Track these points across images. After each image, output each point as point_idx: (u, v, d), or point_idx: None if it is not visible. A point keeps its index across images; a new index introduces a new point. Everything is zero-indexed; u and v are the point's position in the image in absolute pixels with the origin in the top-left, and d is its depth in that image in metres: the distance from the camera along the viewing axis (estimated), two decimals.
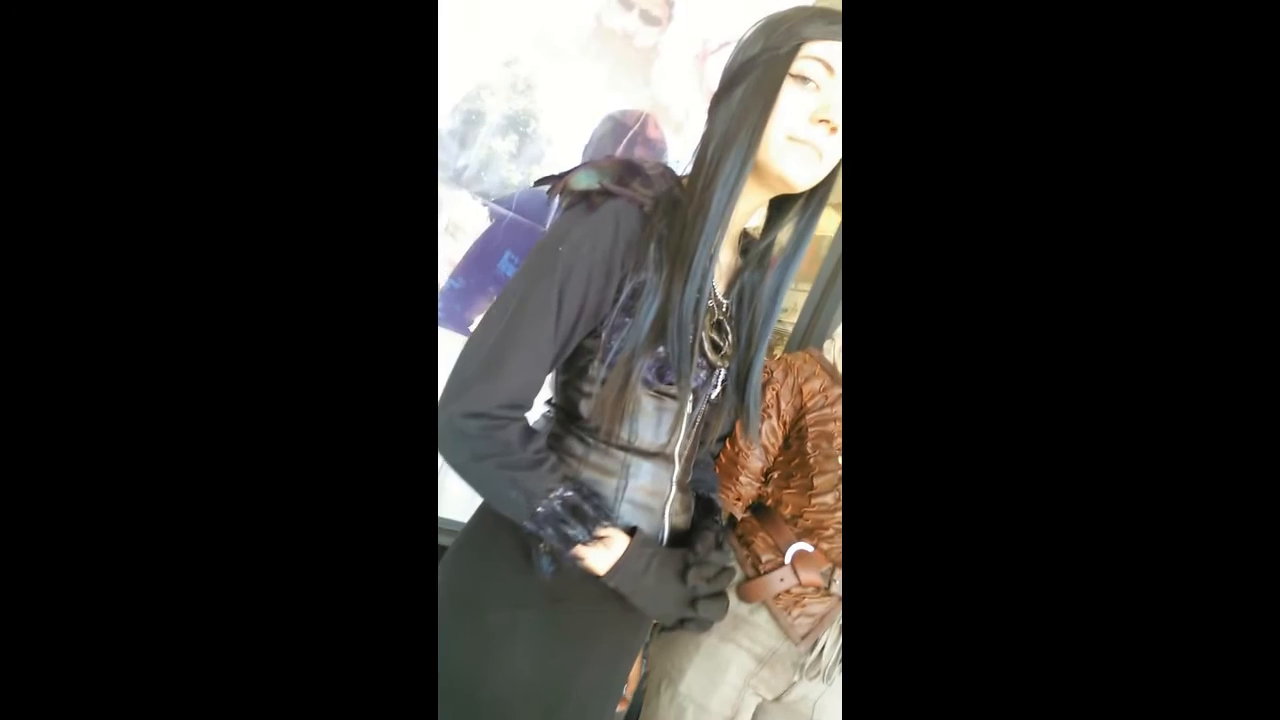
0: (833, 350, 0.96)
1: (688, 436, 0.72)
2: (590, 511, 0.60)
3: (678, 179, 0.68)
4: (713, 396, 0.73)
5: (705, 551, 0.68)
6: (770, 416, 0.93)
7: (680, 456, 0.72)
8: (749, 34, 0.66)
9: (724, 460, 0.94)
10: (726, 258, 0.73)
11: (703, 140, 0.66)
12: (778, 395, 0.94)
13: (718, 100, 0.66)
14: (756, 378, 0.74)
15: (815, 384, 0.93)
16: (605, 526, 0.61)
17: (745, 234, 0.78)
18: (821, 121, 0.62)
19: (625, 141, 0.91)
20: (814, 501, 0.89)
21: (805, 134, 0.62)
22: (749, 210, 0.72)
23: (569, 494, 0.60)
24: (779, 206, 0.75)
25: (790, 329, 1.47)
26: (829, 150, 0.64)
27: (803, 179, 0.64)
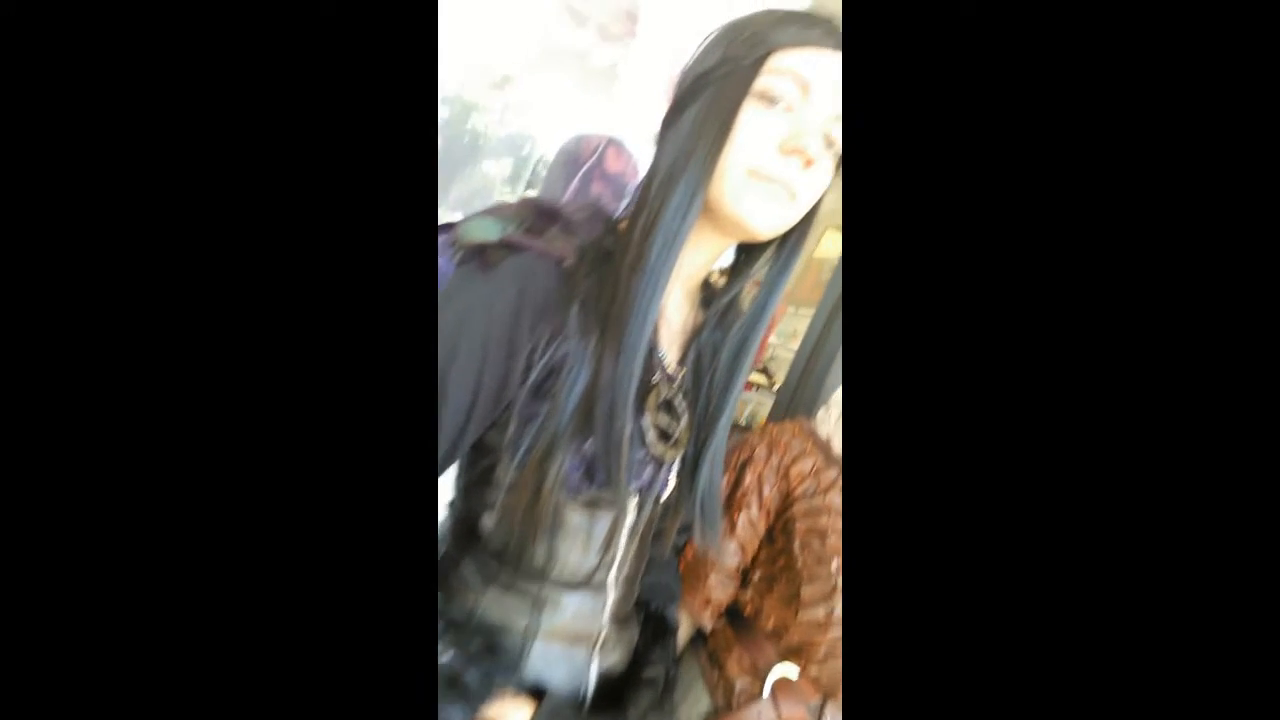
0: (829, 420, 0.80)
1: (630, 555, 0.56)
2: (474, 683, 0.44)
3: (613, 223, 0.53)
4: (664, 497, 0.56)
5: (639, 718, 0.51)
6: (750, 505, 0.77)
7: (618, 583, 0.55)
8: (706, 42, 0.52)
9: (690, 556, 0.78)
10: (680, 317, 0.58)
11: (646, 176, 0.52)
12: (760, 478, 0.77)
13: (665, 126, 0.52)
14: (714, 470, 0.58)
15: (805, 464, 0.76)
16: (497, 698, 0.45)
17: (708, 284, 0.63)
18: (793, 152, 0.47)
19: (579, 177, 0.77)
20: (801, 615, 0.72)
21: (772, 168, 0.48)
22: (708, 259, 0.57)
23: (445, 659, 0.44)
24: (748, 249, 0.60)
25: (793, 354, 1.30)
26: (804, 188, 0.49)
27: (768, 225, 0.49)
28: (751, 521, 0.77)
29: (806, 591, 0.72)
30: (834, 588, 0.71)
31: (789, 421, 0.82)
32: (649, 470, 0.54)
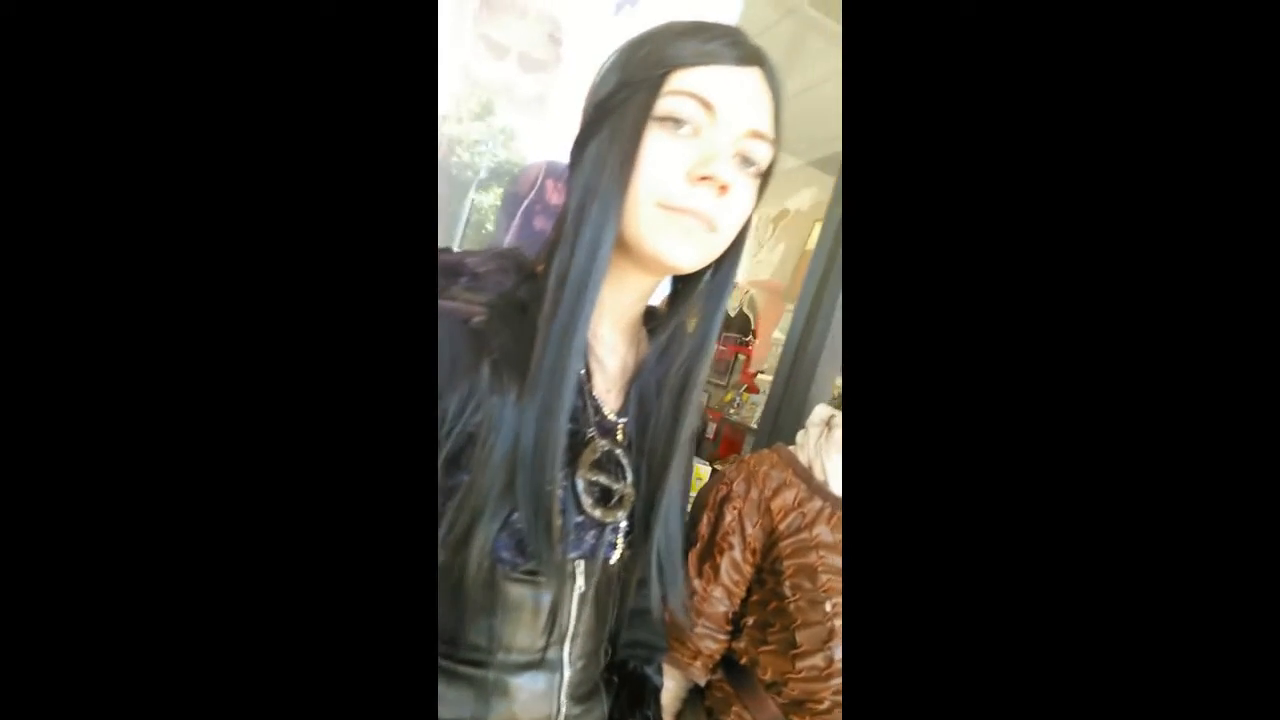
0: (808, 444, 0.74)
1: (584, 628, 0.50)
2: None
3: (530, 270, 0.49)
4: (612, 559, 0.51)
5: None
6: (732, 546, 0.71)
7: (571, 659, 0.50)
8: (605, 65, 0.48)
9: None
10: (616, 360, 0.53)
11: (559, 217, 0.47)
12: (740, 516, 0.71)
13: (572, 161, 0.47)
14: (669, 524, 0.52)
15: (788, 496, 0.71)
16: None
17: (652, 315, 0.58)
18: (703, 180, 0.43)
19: (520, 213, 0.73)
20: (799, 664, 0.66)
21: (683, 199, 0.43)
22: (638, 295, 0.52)
23: None
24: (686, 278, 0.55)
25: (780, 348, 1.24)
26: (723, 216, 0.44)
27: (687, 259, 0.45)
28: (736, 564, 0.71)
29: (802, 637, 0.66)
30: (832, 631, 0.65)
31: (767, 451, 0.76)
32: (590, 535, 0.49)
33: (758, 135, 0.46)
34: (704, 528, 0.73)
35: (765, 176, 0.50)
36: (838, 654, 0.64)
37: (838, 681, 0.64)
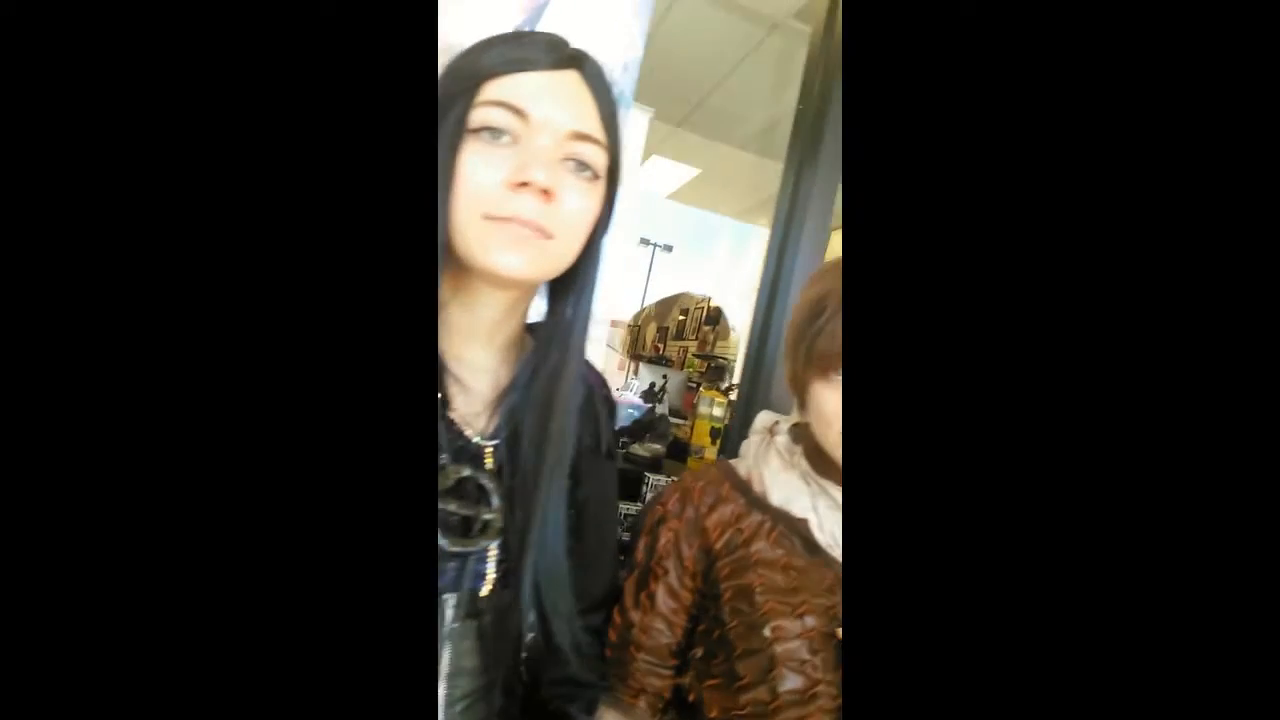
0: (748, 455, 0.69)
1: (463, 664, 0.47)
2: None
3: None
4: (482, 590, 0.47)
5: None
6: (668, 571, 0.65)
7: (450, 700, 0.46)
8: None
9: (613, 637, 0.66)
10: (488, 380, 0.51)
11: None
12: (676, 537, 0.66)
13: None
14: (549, 550, 0.48)
15: (725, 512, 0.65)
16: None
17: (532, 332, 0.55)
18: (522, 186, 0.42)
19: None
20: (743, 699, 0.59)
21: (505, 208, 0.43)
22: (500, 313, 0.49)
23: None
24: (555, 292, 0.53)
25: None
26: (558, 221, 0.43)
27: (521, 268, 0.44)
28: (673, 591, 0.65)
29: (742, 668, 0.59)
30: (774, 659, 0.58)
31: (706, 465, 0.71)
32: (451, 566, 0.46)
33: (582, 137, 0.45)
34: (640, 553, 0.68)
35: (613, 179, 0.48)
36: (786, 684, 0.57)
37: (792, 714, 0.57)
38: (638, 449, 2.18)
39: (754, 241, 4.45)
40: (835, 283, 0.58)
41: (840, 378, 0.57)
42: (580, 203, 0.45)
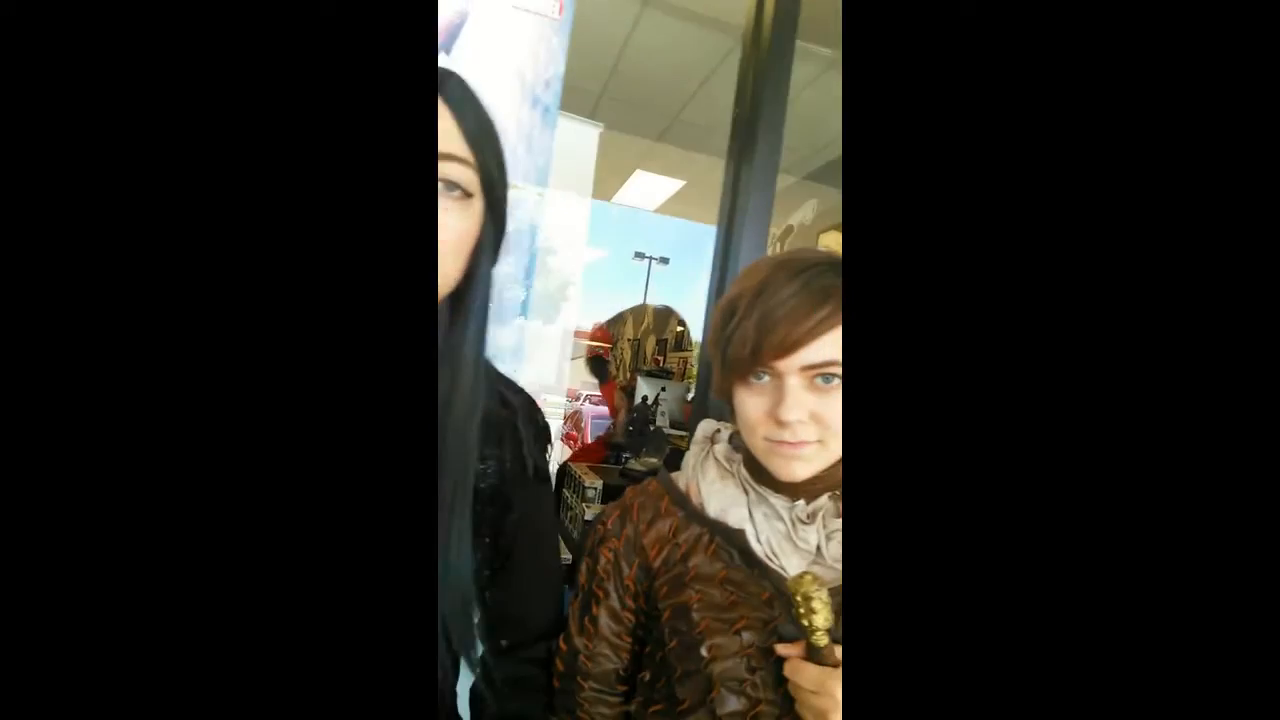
0: (687, 466, 0.67)
1: None
2: None
3: None
4: None
5: None
6: (608, 593, 0.63)
7: None
8: None
9: (560, 667, 0.64)
10: None
11: None
12: (616, 558, 0.64)
13: None
14: (456, 577, 0.47)
15: (663, 527, 0.63)
16: None
17: None
18: None
19: None
20: None
21: None
22: None
23: None
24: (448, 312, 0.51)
25: None
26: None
27: None
28: (615, 613, 0.63)
29: (682, 690, 0.57)
30: (711, 679, 0.55)
31: (648, 480, 0.69)
32: None
33: (444, 157, 0.44)
34: (582, 576, 0.66)
35: (493, 197, 0.47)
36: (727, 706, 0.54)
37: None
38: (634, 464, 2.15)
39: None
40: (746, 285, 0.56)
41: (758, 382, 0.55)
42: (451, 222, 0.44)
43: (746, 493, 0.61)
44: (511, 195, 0.50)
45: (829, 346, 0.52)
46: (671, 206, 4.06)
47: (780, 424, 0.54)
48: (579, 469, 1.78)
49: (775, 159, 0.83)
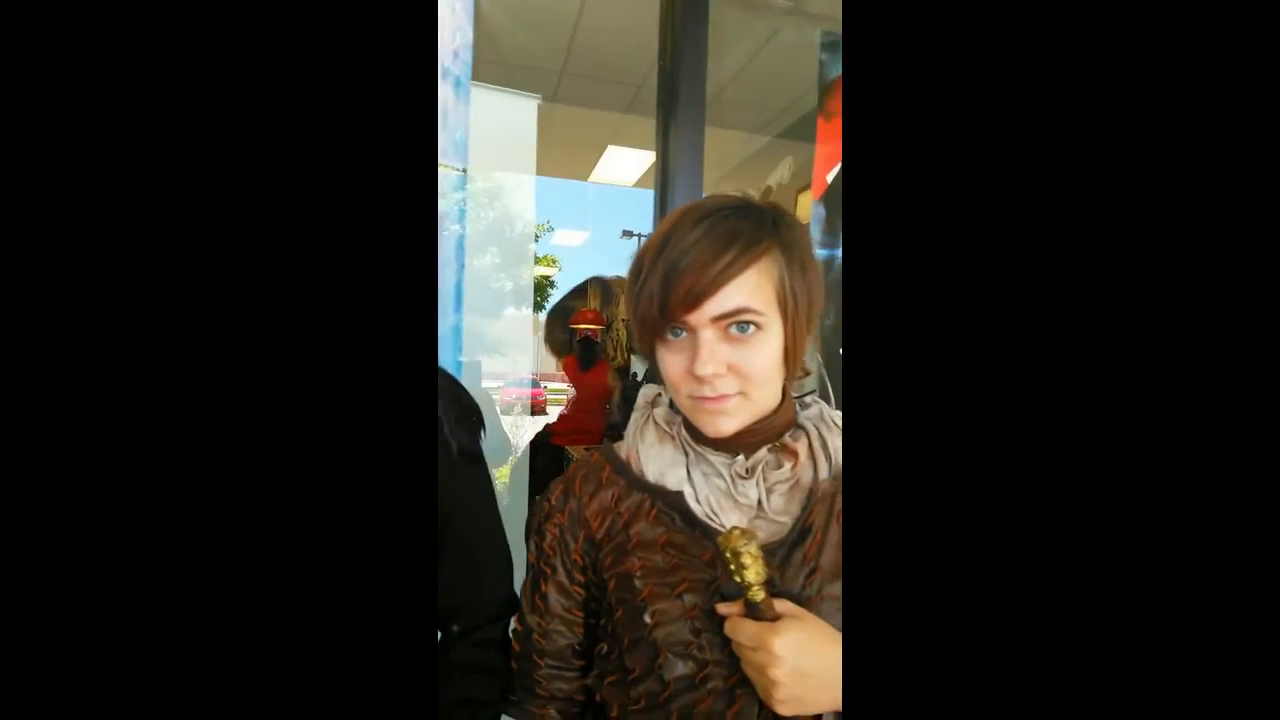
0: (629, 433, 0.65)
1: None
2: None
3: None
4: None
5: None
6: (555, 569, 0.62)
7: None
8: None
9: (517, 647, 0.63)
10: None
11: None
12: (561, 533, 0.63)
13: None
14: None
15: (605, 497, 0.61)
16: None
17: None
18: None
19: None
20: (634, 693, 0.55)
21: None
22: None
23: None
24: None
25: None
26: None
27: None
28: (564, 589, 0.62)
29: (630, 660, 0.56)
30: (657, 646, 0.54)
31: (587, 453, 0.67)
32: None
33: None
34: (531, 555, 0.65)
35: None
36: (674, 671, 0.53)
37: (685, 701, 0.53)
38: None
39: None
40: (651, 240, 0.54)
41: (674, 339, 0.53)
42: None
43: (686, 453, 0.59)
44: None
45: (738, 294, 0.50)
46: (649, 180, 4.01)
47: (698, 379, 0.52)
48: (576, 452, 1.77)
49: (700, 109, 0.80)
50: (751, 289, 0.50)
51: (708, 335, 0.51)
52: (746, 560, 0.48)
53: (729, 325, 0.50)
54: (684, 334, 0.52)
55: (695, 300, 0.50)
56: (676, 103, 0.80)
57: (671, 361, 0.53)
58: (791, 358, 0.53)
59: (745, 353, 0.51)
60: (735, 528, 0.49)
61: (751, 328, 0.51)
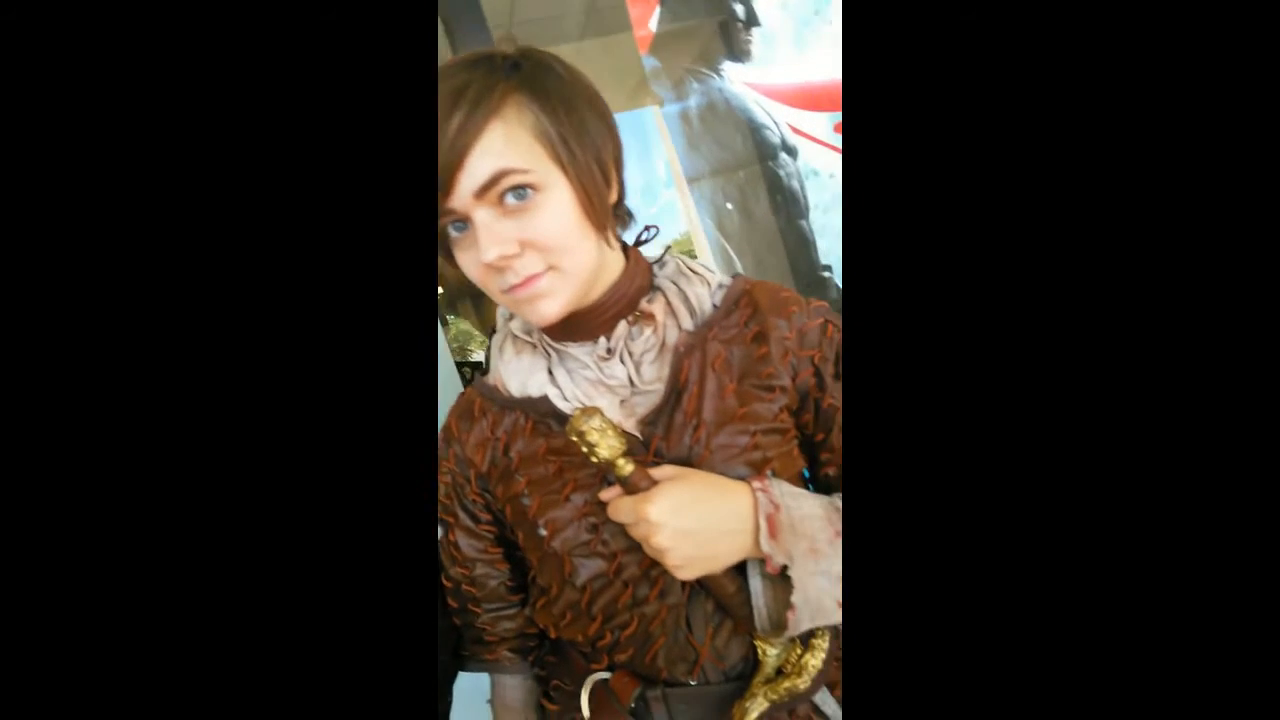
0: (492, 360, 0.60)
1: None
2: None
3: None
4: None
5: None
6: (456, 517, 0.59)
7: None
8: None
9: (453, 603, 0.61)
10: None
11: None
12: (453, 479, 0.59)
13: None
14: None
15: (483, 427, 0.57)
16: None
17: None
18: None
19: None
20: (555, 610, 0.53)
21: None
22: None
23: None
24: None
25: None
26: None
27: None
28: (472, 531, 0.58)
29: (543, 578, 0.53)
30: (559, 556, 0.51)
31: (460, 394, 0.63)
32: None
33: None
34: (442, 511, 0.61)
35: None
36: (584, 574, 0.50)
37: (603, 601, 0.50)
38: None
39: (650, 125, 4.12)
40: None
41: (459, 235, 0.48)
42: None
43: (548, 355, 0.54)
44: None
45: (487, 157, 0.43)
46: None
47: (496, 269, 0.46)
48: None
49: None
50: (501, 147, 0.43)
51: (482, 216, 0.45)
52: (593, 437, 0.44)
53: (500, 196, 0.44)
54: (466, 227, 0.47)
55: (446, 180, 0.43)
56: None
57: (467, 261, 0.48)
58: (596, 210, 0.47)
59: (531, 222, 0.45)
60: (576, 409, 0.45)
61: (529, 191, 0.44)
